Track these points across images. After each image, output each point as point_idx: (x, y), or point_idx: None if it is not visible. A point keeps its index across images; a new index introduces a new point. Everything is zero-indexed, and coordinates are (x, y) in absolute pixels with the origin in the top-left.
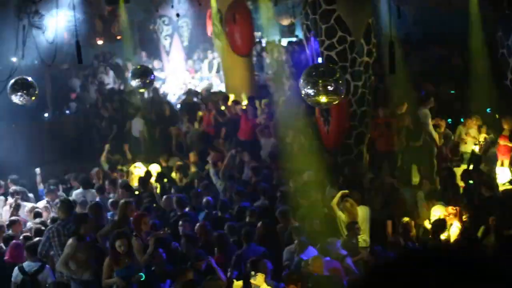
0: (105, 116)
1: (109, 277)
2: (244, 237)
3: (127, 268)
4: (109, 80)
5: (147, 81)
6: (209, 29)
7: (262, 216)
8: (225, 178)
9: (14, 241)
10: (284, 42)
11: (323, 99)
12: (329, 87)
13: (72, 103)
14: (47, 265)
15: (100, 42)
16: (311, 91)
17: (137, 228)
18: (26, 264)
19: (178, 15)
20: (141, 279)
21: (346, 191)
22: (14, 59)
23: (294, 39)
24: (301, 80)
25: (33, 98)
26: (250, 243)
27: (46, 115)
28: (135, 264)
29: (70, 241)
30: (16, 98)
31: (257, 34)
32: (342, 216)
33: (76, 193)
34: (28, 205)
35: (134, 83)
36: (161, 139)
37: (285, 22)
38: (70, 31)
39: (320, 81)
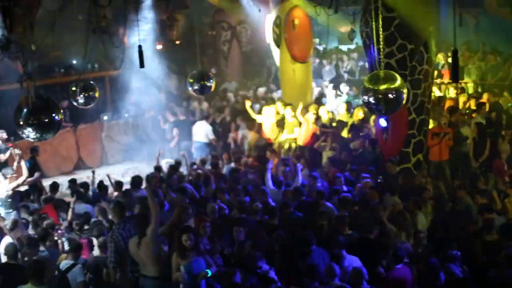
0: (168, 120)
1: (177, 271)
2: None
3: (193, 263)
4: (170, 84)
5: (206, 86)
6: (268, 35)
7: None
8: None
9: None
10: (343, 49)
11: (384, 107)
12: (389, 95)
13: (131, 106)
14: (79, 264)
15: (159, 46)
16: (371, 99)
17: (196, 233)
18: (62, 263)
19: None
20: (208, 275)
21: None
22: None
23: (352, 46)
24: (362, 88)
25: (94, 100)
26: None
27: (105, 117)
28: (202, 260)
29: (134, 239)
30: (79, 100)
31: (315, 40)
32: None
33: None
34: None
35: (193, 88)
36: (221, 143)
37: (344, 28)
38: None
39: (381, 89)
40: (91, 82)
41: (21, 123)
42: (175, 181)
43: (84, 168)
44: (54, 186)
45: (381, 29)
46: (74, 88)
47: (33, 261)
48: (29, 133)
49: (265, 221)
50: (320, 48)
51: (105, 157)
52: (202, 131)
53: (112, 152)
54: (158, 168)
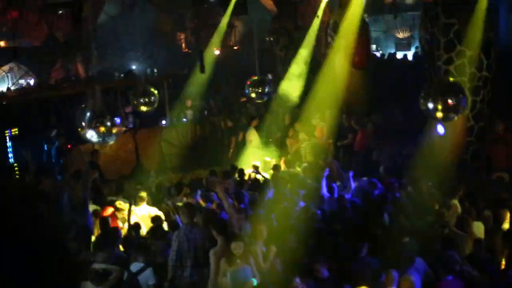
0: (224, 125)
1: (224, 276)
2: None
3: (240, 271)
4: (226, 89)
5: (264, 91)
6: (325, 42)
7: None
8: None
9: None
10: (399, 55)
11: (443, 114)
12: (450, 102)
13: (188, 110)
14: (150, 267)
15: (217, 52)
16: (431, 106)
17: (253, 236)
18: (133, 265)
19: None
20: (253, 285)
21: None
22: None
23: (409, 52)
24: (422, 94)
25: (154, 105)
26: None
27: (164, 122)
28: (249, 269)
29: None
30: (140, 105)
31: (372, 46)
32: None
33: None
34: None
35: (251, 93)
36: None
37: (402, 35)
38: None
39: (441, 96)
40: (151, 87)
41: (85, 126)
42: (232, 186)
43: (142, 171)
44: (119, 186)
45: (440, 35)
46: (135, 93)
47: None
48: (92, 137)
49: (320, 228)
50: (378, 54)
51: (163, 161)
52: (251, 136)
53: (170, 156)
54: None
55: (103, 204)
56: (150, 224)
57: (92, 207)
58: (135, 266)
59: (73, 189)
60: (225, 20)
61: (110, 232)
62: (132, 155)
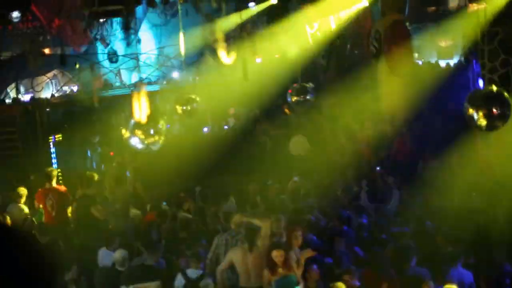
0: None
1: (268, 286)
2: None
3: (284, 279)
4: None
5: (306, 99)
6: (367, 50)
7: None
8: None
9: None
10: (442, 63)
11: (488, 123)
12: (494, 111)
13: (230, 119)
14: (208, 275)
15: (258, 60)
16: (475, 115)
17: (289, 242)
18: (189, 271)
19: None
20: None
21: None
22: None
23: (451, 61)
24: (466, 103)
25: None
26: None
27: (205, 129)
28: (292, 276)
29: (239, 248)
30: (180, 112)
31: (415, 54)
32: None
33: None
34: None
35: (293, 101)
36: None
37: (444, 43)
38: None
39: (486, 105)
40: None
41: (129, 133)
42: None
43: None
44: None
45: (484, 43)
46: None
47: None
48: (136, 143)
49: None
50: (420, 62)
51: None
52: (299, 144)
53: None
54: None
55: (145, 210)
56: None
57: (133, 212)
58: (191, 272)
59: (114, 195)
60: (267, 29)
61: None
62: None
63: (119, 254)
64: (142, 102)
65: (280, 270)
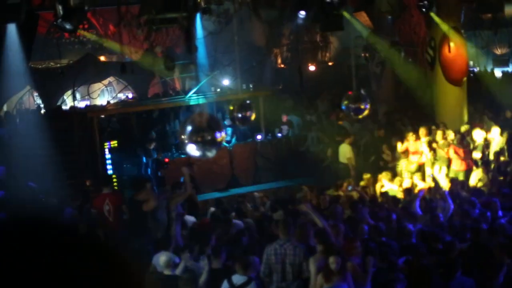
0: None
1: None
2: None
3: (336, 287)
4: (321, 104)
5: (361, 108)
6: (422, 58)
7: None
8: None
9: None
10: (497, 71)
11: None
12: None
13: (284, 126)
14: (253, 281)
15: (312, 68)
16: None
17: (347, 253)
18: (235, 277)
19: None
20: None
21: None
22: (225, 83)
23: (508, 69)
24: None
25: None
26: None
27: (259, 137)
28: (345, 286)
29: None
30: (236, 120)
31: (470, 62)
32: None
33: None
34: None
35: (348, 109)
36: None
37: (500, 51)
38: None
39: None
40: (248, 101)
41: (185, 140)
42: (327, 201)
43: (237, 186)
44: (219, 202)
45: None
46: (232, 107)
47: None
48: (192, 150)
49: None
50: (475, 70)
51: (258, 176)
52: (346, 152)
53: (265, 171)
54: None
55: (199, 216)
56: None
57: (189, 219)
58: (236, 278)
59: (170, 202)
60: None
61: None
62: (226, 169)
63: (165, 257)
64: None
65: (334, 277)
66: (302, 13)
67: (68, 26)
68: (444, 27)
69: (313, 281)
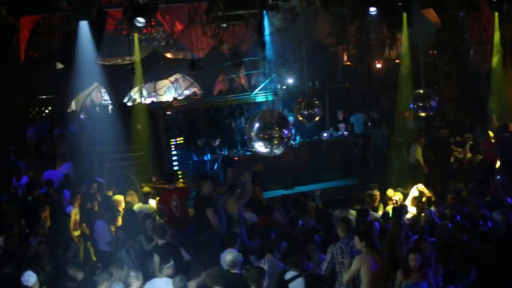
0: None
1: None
2: None
3: (415, 285)
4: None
5: (428, 106)
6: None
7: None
8: None
9: None
10: None
11: None
12: None
13: (349, 124)
14: (301, 276)
15: (378, 65)
16: None
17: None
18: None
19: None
20: None
21: None
22: (290, 81)
23: None
24: None
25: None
26: None
27: (324, 135)
28: (425, 284)
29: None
30: (302, 117)
31: None
32: None
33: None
34: None
35: (416, 107)
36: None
37: None
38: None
39: None
40: (315, 99)
41: (253, 136)
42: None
43: (302, 184)
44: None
45: None
46: (298, 105)
47: (255, 268)
48: (259, 147)
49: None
50: None
51: (322, 174)
52: (416, 153)
53: (330, 169)
54: None
55: (264, 213)
56: None
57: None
58: (288, 274)
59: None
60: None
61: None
62: (291, 167)
63: (231, 256)
64: (269, 107)
65: (413, 274)
66: (373, 9)
67: (138, 24)
68: None
69: (348, 274)
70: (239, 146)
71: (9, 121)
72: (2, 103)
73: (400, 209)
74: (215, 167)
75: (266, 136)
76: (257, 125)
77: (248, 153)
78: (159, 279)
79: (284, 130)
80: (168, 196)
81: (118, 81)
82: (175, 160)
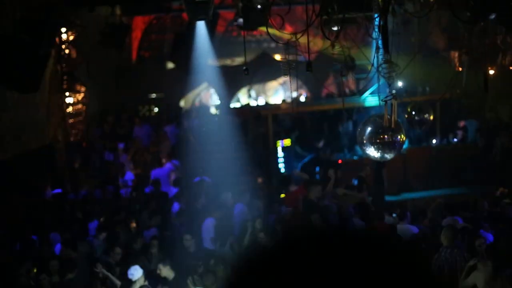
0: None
1: None
2: None
3: None
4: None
5: None
6: None
7: None
8: None
9: None
10: None
11: None
12: None
13: (460, 131)
14: None
15: (491, 71)
16: None
17: None
18: None
19: None
20: None
21: None
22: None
23: None
24: None
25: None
26: None
27: (434, 141)
28: None
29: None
30: (412, 122)
31: None
32: None
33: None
34: None
35: None
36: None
37: None
38: None
39: None
40: (427, 104)
41: (364, 141)
42: None
43: (409, 190)
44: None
45: None
46: (409, 109)
47: None
48: (371, 152)
49: None
50: None
51: (431, 181)
52: None
53: (439, 176)
54: None
55: (369, 220)
56: None
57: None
58: None
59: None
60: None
61: None
62: (399, 173)
63: None
64: (387, 112)
65: None
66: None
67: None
68: None
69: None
70: (345, 150)
71: (118, 118)
72: (112, 100)
73: None
74: (317, 169)
75: (378, 141)
76: (369, 129)
77: (355, 157)
78: None
79: (397, 135)
80: (293, 197)
81: (227, 82)
82: (281, 162)
